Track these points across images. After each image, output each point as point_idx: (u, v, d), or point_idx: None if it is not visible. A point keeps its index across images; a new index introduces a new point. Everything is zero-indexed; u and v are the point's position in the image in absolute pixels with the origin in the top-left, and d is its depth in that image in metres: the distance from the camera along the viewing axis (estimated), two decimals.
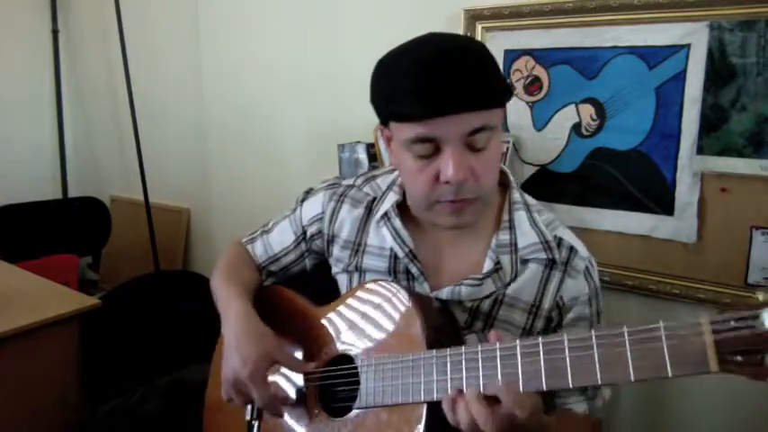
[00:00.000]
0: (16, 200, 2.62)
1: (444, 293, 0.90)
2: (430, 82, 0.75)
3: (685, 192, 1.40)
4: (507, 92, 0.82)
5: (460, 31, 1.65)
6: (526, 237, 0.90)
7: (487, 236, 0.92)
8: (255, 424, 0.95)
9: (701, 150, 1.37)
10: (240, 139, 2.39)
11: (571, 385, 0.66)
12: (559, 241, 0.91)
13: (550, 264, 0.90)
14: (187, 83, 2.52)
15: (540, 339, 0.68)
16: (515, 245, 0.90)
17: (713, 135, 1.36)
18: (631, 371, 0.61)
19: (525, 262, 0.90)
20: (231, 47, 2.33)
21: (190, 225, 2.70)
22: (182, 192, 2.69)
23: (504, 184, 0.96)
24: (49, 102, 3.04)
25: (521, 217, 0.92)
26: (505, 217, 0.92)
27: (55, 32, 2.97)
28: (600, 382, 0.64)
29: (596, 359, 0.64)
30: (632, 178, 1.47)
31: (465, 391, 0.71)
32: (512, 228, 0.91)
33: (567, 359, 0.66)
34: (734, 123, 1.33)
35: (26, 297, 1.58)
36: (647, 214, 1.46)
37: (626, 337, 0.62)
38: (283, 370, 0.97)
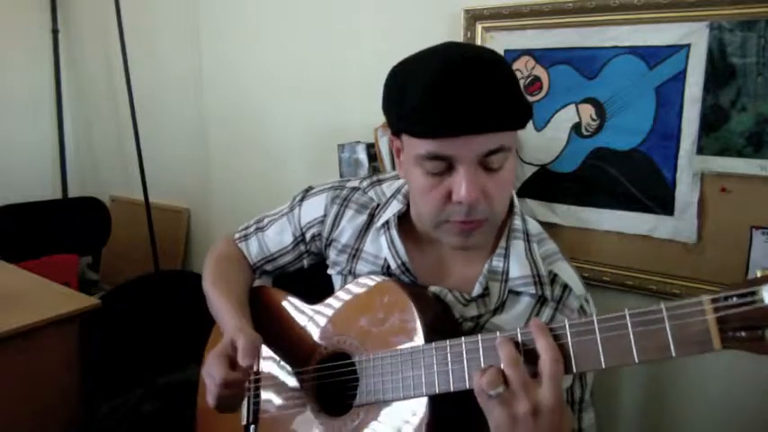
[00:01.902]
0: (16, 200, 2.62)
1: (431, 291, 0.90)
2: (448, 100, 0.72)
3: (685, 192, 1.40)
4: (528, 113, 0.78)
5: (460, 31, 1.65)
6: (519, 267, 0.87)
7: (485, 258, 0.90)
8: (252, 428, 0.95)
9: (701, 150, 1.37)
10: (240, 140, 2.39)
11: (575, 370, 0.66)
12: (554, 278, 0.88)
13: (542, 300, 0.87)
14: (187, 83, 2.52)
15: None
16: (507, 273, 0.88)
17: (713, 135, 1.36)
18: (635, 353, 0.62)
19: (517, 294, 0.88)
20: (231, 47, 2.33)
21: (190, 225, 2.69)
22: (182, 192, 2.69)
23: (508, 209, 0.93)
24: (49, 102, 3.04)
25: (517, 246, 0.89)
26: (503, 243, 0.89)
27: (55, 32, 2.97)
28: (604, 365, 0.64)
29: (599, 343, 0.64)
30: (632, 178, 1.47)
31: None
32: (507, 256, 0.89)
33: (570, 345, 0.66)
34: (734, 123, 1.33)
35: (26, 297, 1.58)
36: (647, 214, 1.46)
37: (628, 320, 0.63)
38: (274, 371, 0.96)
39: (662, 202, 1.44)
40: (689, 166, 1.39)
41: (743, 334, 0.56)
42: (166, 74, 2.62)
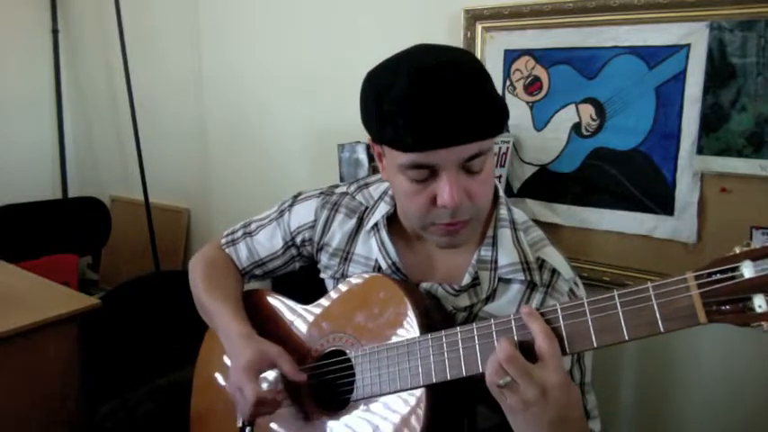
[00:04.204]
0: (16, 200, 2.62)
1: (422, 287, 0.91)
2: (426, 112, 0.72)
3: (685, 192, 1.40)
4: (505, 116, 0.79)
5: (460, 31, 1.65)
6: (507, 255, 0.89)
7: (473, 249, 0.91)
8: (248, 429, 0.95)
9: (701, 150, 1.37)
10: (240, 140, 2.39)
11: (569, 351, 0.69)
12: (542, 263, 0.90)
13: (531, 285, 0.89)
14: (187, 83, 2.52)
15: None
16: (496, 262, 0.89)
17: (713, 135, 1.36)
18: (625, 331, 0.65)
19: (507, 282, 0.89)
20: (231, 47, 2.33)
21: (190, 225, 2.70)
22: (181, 192, 2.69)
23: (493, 199, 0.93)
24: (49, 102, 3.04)
25: (504, 234, 0.90)
26: (490, 233, 0.91)
27: (55, 32, 2.97)
28: (596, 344, 0.67)
29: (590, 324, 0.67)
30: (632, 178, 1.47)
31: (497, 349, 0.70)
32: (494, 245, 0.90)
33: (563, 327, 0.69)
34: (734, 123, 1.33)
35: (26, 297, 1.58)
36: (647, 214, 1.46)
37: (617, 300, 0.65)
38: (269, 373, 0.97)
39: (662, 202, 1.44)
40: (689, 166, 1.39)
41: (726, 307, 0.59)
42: (166, 74, 2.62)
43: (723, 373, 1.44)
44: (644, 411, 1.58)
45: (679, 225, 1.42)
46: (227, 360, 1.05)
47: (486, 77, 0.77)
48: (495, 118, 0.77)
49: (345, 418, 0.85)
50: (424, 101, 0.72)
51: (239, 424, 0.95)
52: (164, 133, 2.67)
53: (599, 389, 0.95)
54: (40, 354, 1.47)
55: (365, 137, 1.71)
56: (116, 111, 2.85)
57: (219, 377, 1.06)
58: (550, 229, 1.53)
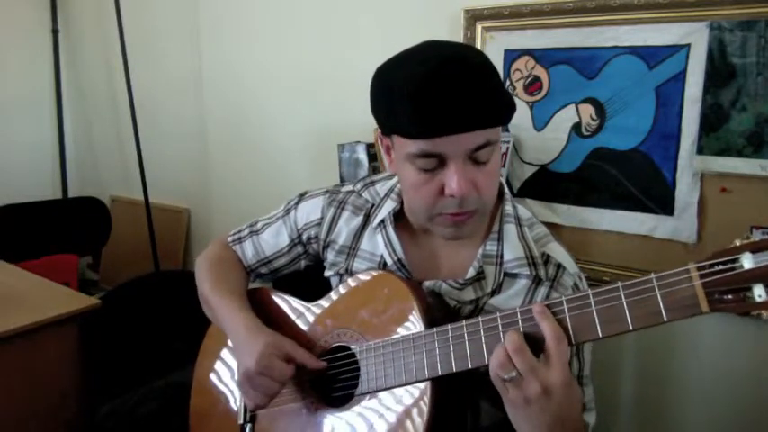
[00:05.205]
0: (16, 200, 2.62)
1: (425, 286, 0.92)
2: (435, 101, 0.74)
3: (685, 192, 1.40)
4: (511, 108, 0.81)
5: (460, 31, 1.66)
6: (513, 250, 0.90)
7: (478, 244, 0.92)
8: (248, 426, 0.95)
9: (701, 150, 1.38)
10: (240, 140, 2.39)
11: (573, 342, 0.70)
12: (547, 258, 0.91)
13: (537, 280, 0.90)
14: (187, 83, 2.52)
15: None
16: (501, 257, 0.91)
17: (713, 135, 1.36)
18: (629, 321, 0.66)
19: (513, 276, 0.91)
20: (231, 47, 2.33)
21: (190, 225, 2.70)
22: (181, 192, 2.69)
23: (498, 195, 0.95)
24: (49, 102, 3.04)
25: (510, 230, 0.92)
26: (495, 228, 0.92)
27: (55, 32, 2.97)
28: (600, 335, 0.68)
29: (595, 315, 0.68)
30: (632, 178, 1.47)
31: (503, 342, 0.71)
32: (500, 240, 0.92)
33: (568, 319, 0.70)
34: (734, 123, 1.33)
35: (26, 297, 1.58)
36: (647, 214, 1.46)
37: (621, 291, 0.67)
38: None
39: (662, 202, 1.44)
40: (689, 166, 1.39)
41: (728, 297, 0.62)
42: (166, 74, 2.62)
43: (722, 368, 1.45)
44: (644, 406, 1.58)
45: (679, 225, 1.42)
46: (228, 358, 1.05)
47: (491, 70, 0.80)
48: (500, 107, 0.79)
49: (350, 413, 0.86)
50: (432, 90, 0.75)
51: (240, 420, 0.96)
52: (164, 133, 2.68)
53: (599, 384, 0.95)
54: (40, 354, 1.47)
55: (365, 137, 1.73)
56: (116, 111, 2.85)
57: (219, 376, 1.06)
58: (550, 229, 1.53)
